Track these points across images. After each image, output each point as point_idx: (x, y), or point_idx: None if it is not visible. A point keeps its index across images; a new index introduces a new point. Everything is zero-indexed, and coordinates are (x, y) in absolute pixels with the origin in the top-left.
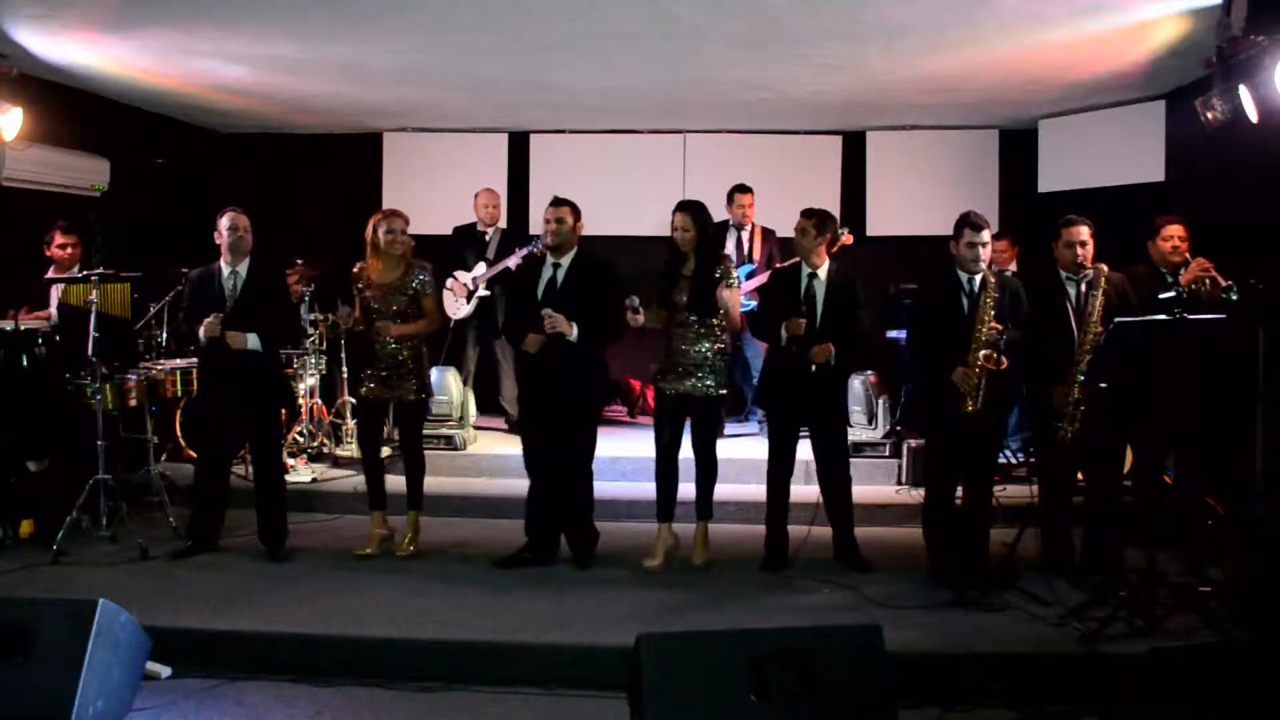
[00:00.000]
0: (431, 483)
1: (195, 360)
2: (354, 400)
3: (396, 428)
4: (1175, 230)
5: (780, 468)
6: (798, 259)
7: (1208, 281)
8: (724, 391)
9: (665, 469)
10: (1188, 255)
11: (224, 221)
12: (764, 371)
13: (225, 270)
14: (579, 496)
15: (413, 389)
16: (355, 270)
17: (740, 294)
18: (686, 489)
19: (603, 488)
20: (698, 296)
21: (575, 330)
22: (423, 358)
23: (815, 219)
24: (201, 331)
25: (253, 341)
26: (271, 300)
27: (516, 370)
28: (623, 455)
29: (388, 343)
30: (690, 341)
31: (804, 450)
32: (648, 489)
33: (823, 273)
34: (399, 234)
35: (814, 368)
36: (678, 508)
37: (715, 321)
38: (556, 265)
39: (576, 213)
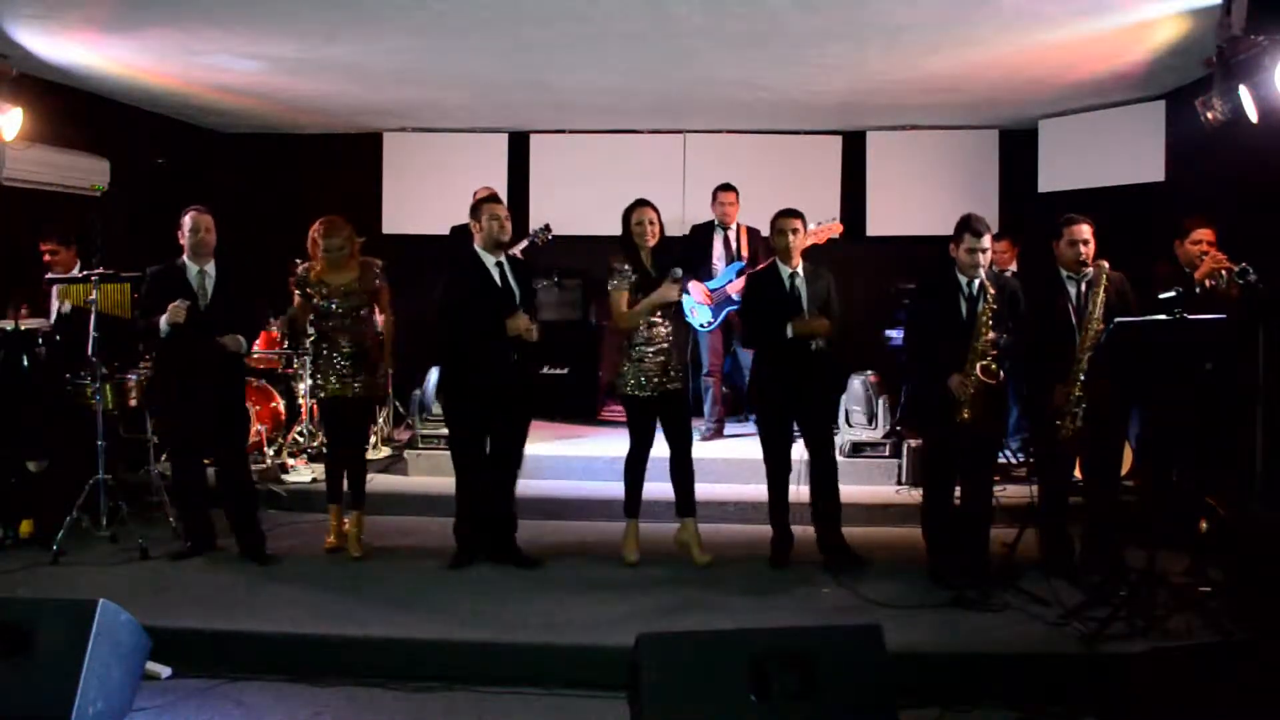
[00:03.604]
0: (430, 483)
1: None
2: (315, 401)
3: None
4: (1205, 234)
5: (780, 467)
6: (772, 260)
7: (1223, 273)
8: (685, 386)
9: (639, 469)
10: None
11: (186, 221)
12: (754, 374)
13: (192, 269)
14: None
15: (369, 385)
16: (300, 272)
17: (733, 290)
18: (665, 489)
19: (603, 488)
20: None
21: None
22: (380, 354)
23: (801, 218)
24: (165, 318)
25: (244, 345)
26: (245, 298)
27: None
28: (620, 456)
29: (342, 343)
30: (659, 341)
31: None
32: (649, 489)
33: (801, 270)
34: (335, 249)
35: (814, 345)
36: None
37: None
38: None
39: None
